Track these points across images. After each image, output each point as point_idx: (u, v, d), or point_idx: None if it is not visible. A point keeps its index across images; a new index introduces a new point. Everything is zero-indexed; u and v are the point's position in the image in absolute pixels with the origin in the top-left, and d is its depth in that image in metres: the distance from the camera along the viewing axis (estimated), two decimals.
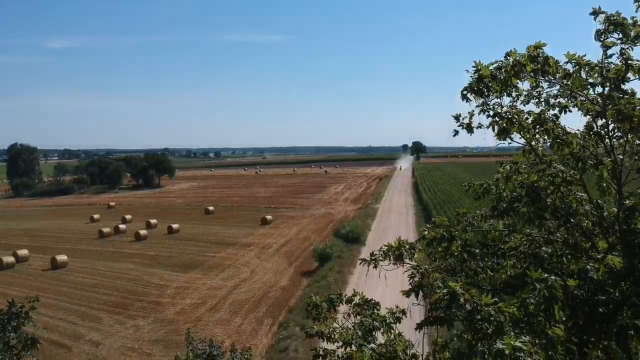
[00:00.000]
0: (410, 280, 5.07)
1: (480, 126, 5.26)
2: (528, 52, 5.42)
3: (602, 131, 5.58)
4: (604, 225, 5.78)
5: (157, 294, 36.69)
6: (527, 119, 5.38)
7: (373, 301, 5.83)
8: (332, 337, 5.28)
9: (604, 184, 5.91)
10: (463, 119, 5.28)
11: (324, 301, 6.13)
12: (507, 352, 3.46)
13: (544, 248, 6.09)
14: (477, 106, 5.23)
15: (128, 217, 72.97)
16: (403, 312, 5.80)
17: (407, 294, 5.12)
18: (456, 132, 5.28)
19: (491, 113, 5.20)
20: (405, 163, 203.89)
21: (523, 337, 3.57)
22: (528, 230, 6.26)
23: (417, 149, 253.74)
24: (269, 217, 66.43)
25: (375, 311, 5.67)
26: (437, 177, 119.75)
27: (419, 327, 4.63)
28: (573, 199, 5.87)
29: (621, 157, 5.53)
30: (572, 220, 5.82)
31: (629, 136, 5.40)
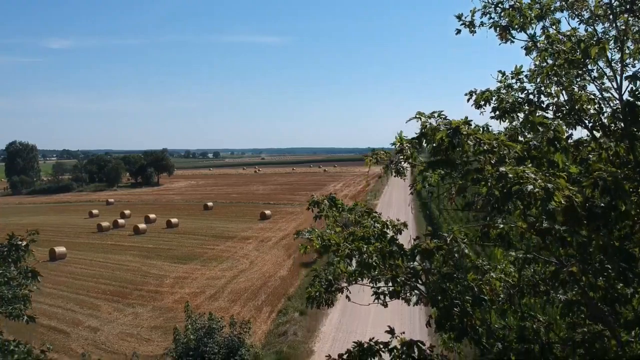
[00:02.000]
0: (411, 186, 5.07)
1: (482, 24, 5.24)
2: None
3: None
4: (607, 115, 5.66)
5: (155, 284, 36.64)
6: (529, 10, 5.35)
7: (375, 212, 5.80)
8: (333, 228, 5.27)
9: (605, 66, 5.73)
10: (465, 17, 5.26)
11: (325, 199, 6.00)
12: (510, 175, 3.44)
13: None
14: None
15: (127, 212, 72.90)
16: (404, 224, 5.77)
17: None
18: (458, 31, 5.26)
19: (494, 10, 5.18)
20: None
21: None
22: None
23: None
24: (267, 212, 66.42)
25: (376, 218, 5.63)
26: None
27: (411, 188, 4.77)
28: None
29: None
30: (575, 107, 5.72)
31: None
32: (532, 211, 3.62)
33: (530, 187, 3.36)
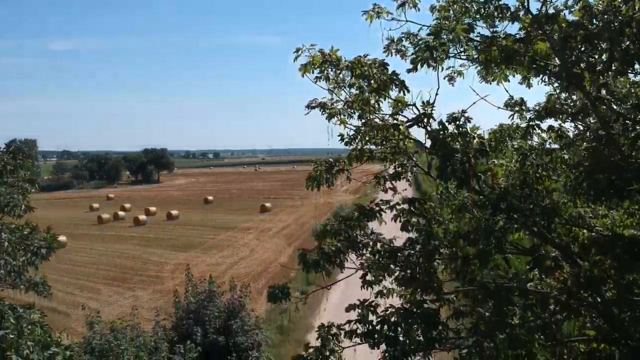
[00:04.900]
0: None
1: None
2: None
3: None
4: None
5: (156, 270, 36.63)
6: None
7: None
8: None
9: None
10: None
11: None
12: None
13: None
14: None
15: (127, 205, 72.82)
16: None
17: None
18: None
19: None
20: None
21: None
22: None
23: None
24: (268, 204, 66.40)
25: None
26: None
27: None
28: None
29: None
30: None
31: None
32: None
33: None
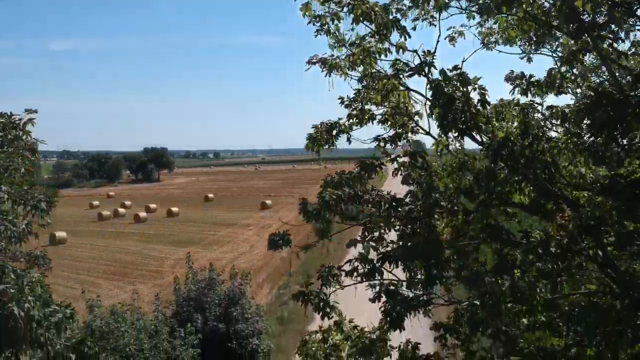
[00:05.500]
0: None
1: None
2: None
3: None
4: None
5: (156, 264, 36.66)
6: None
7: None
8: None
9: None
10: None
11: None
12: None
13: None
14: None
15: (127, 203, 72.80)
16: None
17: None
18: None
19: None
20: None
21: None
22: None
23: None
24: (268, 202, 66.39)
25: None
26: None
27: None
28: None
29: None
30: None
31: None
32: None
33: None
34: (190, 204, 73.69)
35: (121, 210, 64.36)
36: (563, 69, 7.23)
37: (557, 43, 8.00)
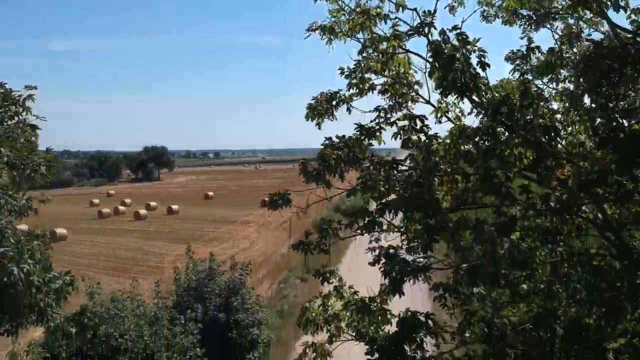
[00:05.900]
0: None
1: None
2: None
3: None
4: None
5: (156, 260, 36.71)
6: None
7: None
8: None
9: None
10: None
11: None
12: None
13: None
14: None
15: (127, 200, 72.83)
16: None
17: None
18: None
19: None
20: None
21: None
22: None
23: None
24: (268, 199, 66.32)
25: None
26: None
27: None
28: None
29: None
30: None
31: None
32: None
33: None
34: (190, 202, 73.71)
35: (121, 208, 64.39)
36: (564, 47, 7.23)
37: (556, 24, 7.99)
